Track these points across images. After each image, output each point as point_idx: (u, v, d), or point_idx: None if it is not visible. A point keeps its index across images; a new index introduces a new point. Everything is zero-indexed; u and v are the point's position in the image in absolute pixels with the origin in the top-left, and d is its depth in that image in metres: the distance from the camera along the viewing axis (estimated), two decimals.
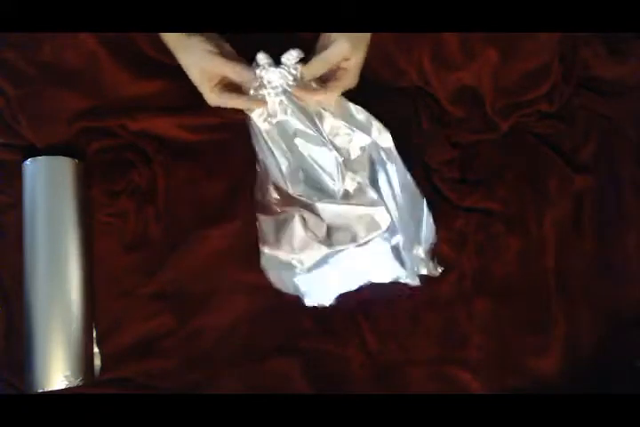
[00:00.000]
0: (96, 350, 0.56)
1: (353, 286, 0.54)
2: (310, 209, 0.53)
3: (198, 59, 0.48)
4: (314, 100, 0.51)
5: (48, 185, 0.54)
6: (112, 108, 0.58)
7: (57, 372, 0.51)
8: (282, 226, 0.54)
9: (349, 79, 0.51)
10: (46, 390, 0.51)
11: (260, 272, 0.57)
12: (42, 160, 0.54)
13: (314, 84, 0.52)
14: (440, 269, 0.55)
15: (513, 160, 0.61)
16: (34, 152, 0.56)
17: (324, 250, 0.53)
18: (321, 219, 0.53)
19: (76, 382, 0.52)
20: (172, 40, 0.50)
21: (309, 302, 0.54)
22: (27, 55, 0.58)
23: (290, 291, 0.55)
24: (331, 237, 0.53)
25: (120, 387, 0.55)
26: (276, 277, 0.55)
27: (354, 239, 0.52)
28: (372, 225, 0.52)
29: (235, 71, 0.48)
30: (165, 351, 0.56)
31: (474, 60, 0.59)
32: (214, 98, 0.50)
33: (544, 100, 0.60)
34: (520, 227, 0.59)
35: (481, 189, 0.60)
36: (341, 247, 0.53)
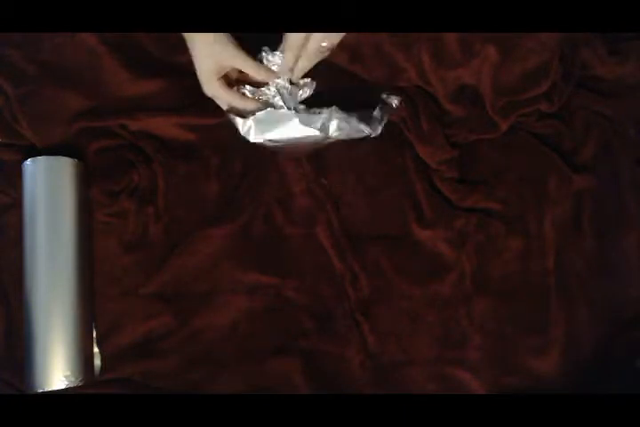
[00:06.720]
0: (96, 350, 0.56)
1: None
2: None
3: (218, 48, 0.49)
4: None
5: (48, 185, 0.54)
6: (112, 108, 0.58)
7: (57, 372, 0.51)
8: None
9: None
10: (46, 390, 0.51)
11: (260, 272, 0.57)
12: (42, 160, 0.54)
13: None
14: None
15: (513, 160, 0.61)
16: (34, 152, 0.56)
17: None
18: None
19: (76, 382, 0.52)
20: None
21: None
22: (27, 55, 0.58)
23: None
24: None
25: (120, 387, 0.55)
26: None
27: None
28: None
29: (247, 63, 0.50)
30: (165, 351, 0.56)
31: (473, 59, 0.59)
32: (214, 88, 0.51)
33: (544, 99, 0.60)
34: (520, 227, 0.59)
35: (481, 189, 0.60)
36: None
